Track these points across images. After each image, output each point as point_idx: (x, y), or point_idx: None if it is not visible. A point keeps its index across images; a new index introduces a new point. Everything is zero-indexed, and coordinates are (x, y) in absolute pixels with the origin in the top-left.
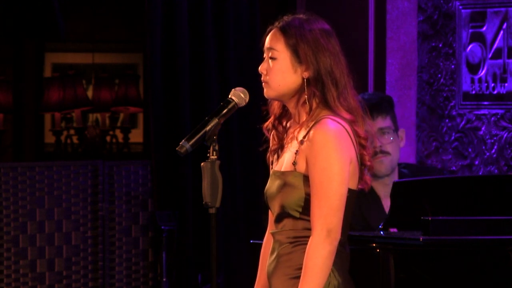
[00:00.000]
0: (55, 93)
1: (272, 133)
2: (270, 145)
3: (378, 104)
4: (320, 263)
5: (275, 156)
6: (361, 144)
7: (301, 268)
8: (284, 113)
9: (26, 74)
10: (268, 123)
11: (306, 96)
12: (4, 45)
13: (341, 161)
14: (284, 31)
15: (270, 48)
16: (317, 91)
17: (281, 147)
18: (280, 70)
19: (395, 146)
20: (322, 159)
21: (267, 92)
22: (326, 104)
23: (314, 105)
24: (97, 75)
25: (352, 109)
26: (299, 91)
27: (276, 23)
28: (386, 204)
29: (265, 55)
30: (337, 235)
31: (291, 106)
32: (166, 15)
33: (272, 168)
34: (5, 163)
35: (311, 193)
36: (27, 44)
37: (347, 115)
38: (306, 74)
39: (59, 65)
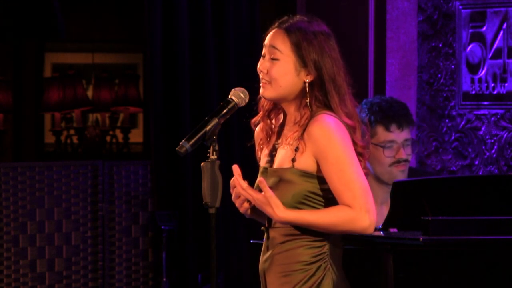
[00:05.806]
0: (55, 93)
1: (260, 126)
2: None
3: (406, 115)
4: (346, 219)
5: (264, 151)
6: (358, 152)
7: (296, 263)
8: (273, 108)
9: (26, 74)
10: (257, 118)
11: (307, 100)
12: (4, 45)
13: (349, 147)
14: (290, 33)
15: (273, 48)
16: (320, 96)
17: (268, 139)
18: (282, 72)
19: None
20: (333, 150)
21: (267, 93)
22: (328, 109)
23: (314, 108)
24: (97, 75)
25: (352, 116)
26: (299, 95)
27: (279, 23)
28: (381, 211)
29: (264, 52)
30: (375, 217)
31: (290, 109)
32: (166, 15)
33: (260, 163)
34: (5, 163)
35: (336, 184)
36: (27, 44)
37: (348, 121)
38: (308, 78)
39: (59, 65)
